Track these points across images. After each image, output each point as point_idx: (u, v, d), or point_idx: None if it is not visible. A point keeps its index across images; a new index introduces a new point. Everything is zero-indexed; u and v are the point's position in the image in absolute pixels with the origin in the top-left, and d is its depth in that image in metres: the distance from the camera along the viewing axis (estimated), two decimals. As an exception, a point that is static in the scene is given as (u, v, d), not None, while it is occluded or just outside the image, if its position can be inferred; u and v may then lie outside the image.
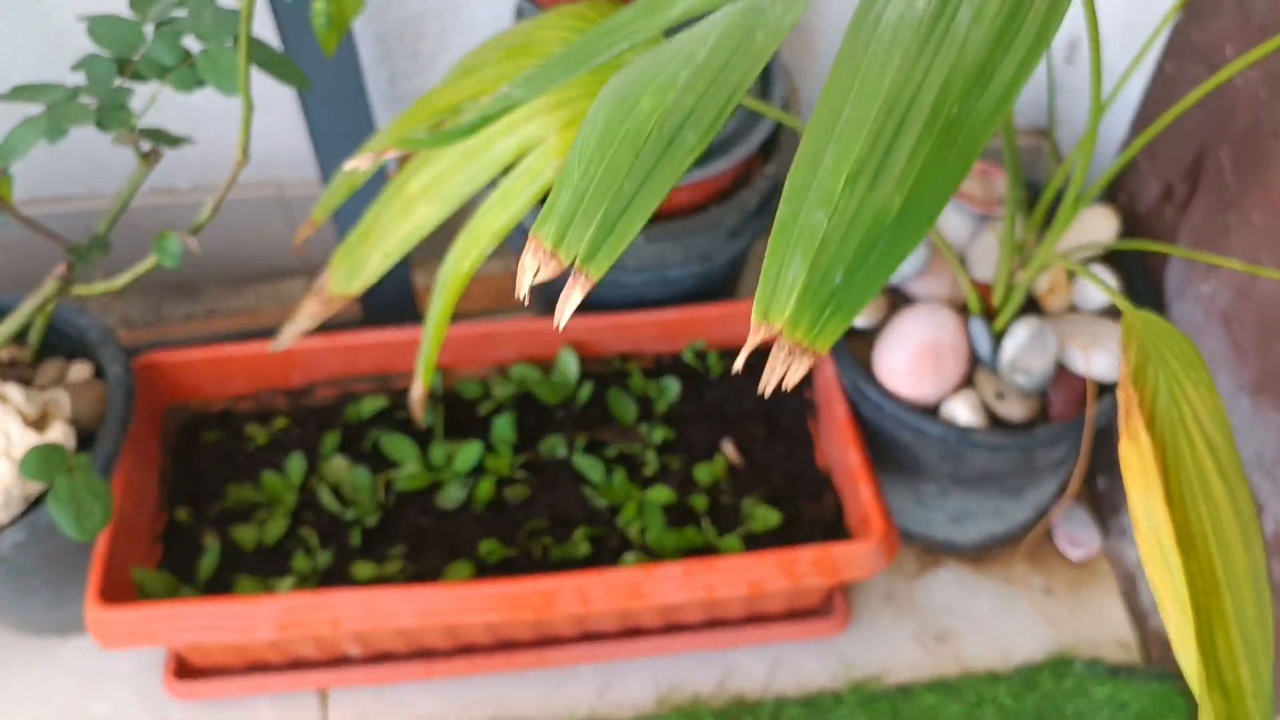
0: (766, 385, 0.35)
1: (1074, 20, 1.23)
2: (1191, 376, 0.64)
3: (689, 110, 0.39)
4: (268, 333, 1.21)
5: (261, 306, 1.39)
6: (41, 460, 0.94)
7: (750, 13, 0.41)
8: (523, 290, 0.38)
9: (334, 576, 1.10)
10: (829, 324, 0.36)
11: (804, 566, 1.03)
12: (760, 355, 1.23)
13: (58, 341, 1.11)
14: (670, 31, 0.53)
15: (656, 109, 0.39)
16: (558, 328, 0.36)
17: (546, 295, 1.27)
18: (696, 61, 0.40)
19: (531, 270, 0.38)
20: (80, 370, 1.10)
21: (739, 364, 0.35)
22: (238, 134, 0.90)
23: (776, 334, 0.36)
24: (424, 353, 0.92)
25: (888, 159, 0.37)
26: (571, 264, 0.39)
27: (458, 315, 1.16)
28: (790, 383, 0.36)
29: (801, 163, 0.37)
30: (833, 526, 1.14)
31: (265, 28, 1.06)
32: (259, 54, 0.87)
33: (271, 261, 1.39)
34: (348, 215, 1.18)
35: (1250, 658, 0.56)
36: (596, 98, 0.41)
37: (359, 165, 0.60)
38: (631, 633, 1.14)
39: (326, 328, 1.12)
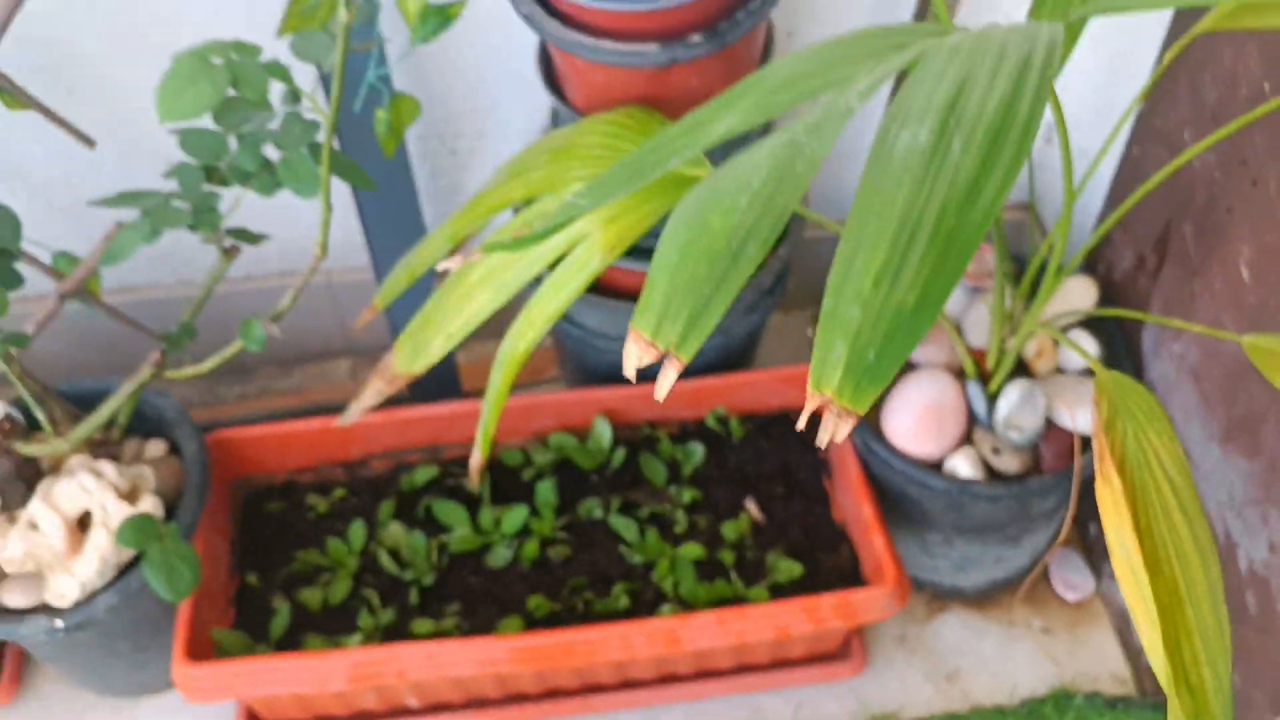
0: (822, 441, 0.46)
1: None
2: (1155, 426, 0.75)
3: (749, 228, 0.51)
4: (317, 410, 1.31)
5: (310, 386, 1.49)
6: (136, 529, 1.05)
7: (791, 146, 0.53)
8: (630, 372, 0.49)
9: (396, 633, 1.19)
10: (866, 391, 0.47)
11: (825, 611, 1.12)
12: (778, 421, 1.33)
13: (135, 421, 1.21)
14: (711, 152, 0.63)
15: (724, 227, 0.50)
16: (659, 399, 0.47)
17: (576, 369, 1.36)
18: (752, 188, 0.51)
19: (635, 356, 0.49)
20: (155, 447, 1.20)
21: (802, 423, 0.46)
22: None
23: (828, 401, 0.47)
24: (483, 424, 1.01)
25: (904, 264, 0.48)
26: (666, 351, 0.50)
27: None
28: (839, 438, 0.47)
29: (839, 266, 0.48)
30: (850, 575, 1.23)
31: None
32: (333, 161, 0.98)
33: (320, 344, 1.49)
34: (396, 305, 1.28)
35: (1211, 662, 0.67)
36: (671, 217, 0.53)
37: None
38: (667, 679, 1.23)
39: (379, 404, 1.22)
